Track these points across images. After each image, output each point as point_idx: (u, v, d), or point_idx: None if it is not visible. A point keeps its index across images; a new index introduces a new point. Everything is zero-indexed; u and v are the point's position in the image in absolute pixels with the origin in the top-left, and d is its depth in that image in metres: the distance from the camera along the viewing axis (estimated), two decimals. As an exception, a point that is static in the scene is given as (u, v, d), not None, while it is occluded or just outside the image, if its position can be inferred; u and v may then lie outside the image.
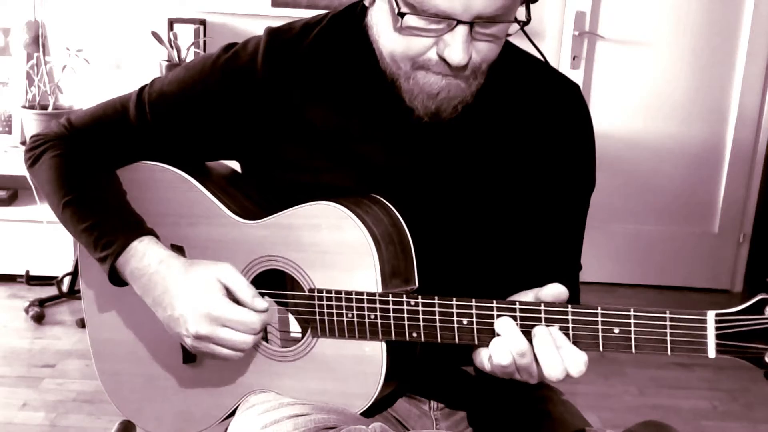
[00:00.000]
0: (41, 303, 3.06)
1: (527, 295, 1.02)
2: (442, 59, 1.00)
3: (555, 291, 1.00)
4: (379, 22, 1.05)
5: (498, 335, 1.00)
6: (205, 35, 3.37)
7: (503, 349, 0.99)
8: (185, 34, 3.33)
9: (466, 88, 1.04)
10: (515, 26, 1.02)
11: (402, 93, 1.06)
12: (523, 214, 1.15)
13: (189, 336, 1.08)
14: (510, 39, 1.14)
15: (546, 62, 1.19)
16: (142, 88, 1.21)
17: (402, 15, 0.99)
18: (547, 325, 0.98)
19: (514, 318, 0.99)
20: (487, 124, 1.13)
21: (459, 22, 0.97)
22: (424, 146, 1.13)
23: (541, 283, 1.08)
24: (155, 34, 3.22)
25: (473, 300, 1.01)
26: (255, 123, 1.14)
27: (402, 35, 1.01)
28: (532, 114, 1.15)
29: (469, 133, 1.13)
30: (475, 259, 1.16)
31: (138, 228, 1.16)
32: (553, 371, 0.97)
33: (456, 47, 0.98)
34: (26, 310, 3.02)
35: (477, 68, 1.03)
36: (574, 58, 3.48)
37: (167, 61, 3.23)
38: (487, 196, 1.14)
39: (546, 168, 1.15)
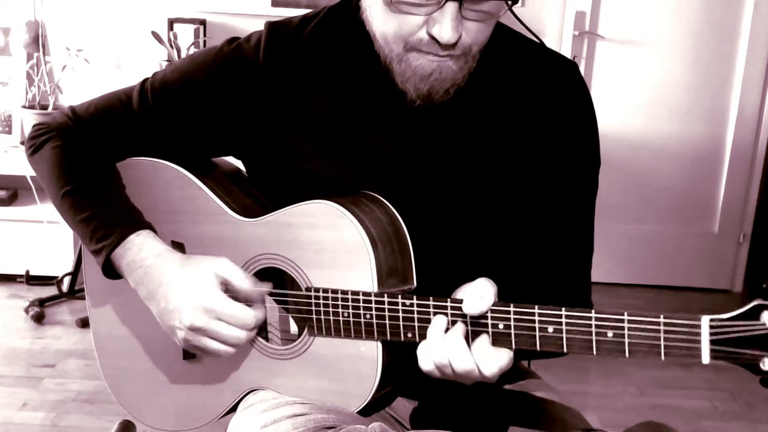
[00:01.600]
0: (41, 303, 3.07)
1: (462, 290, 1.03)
2: (432, 38, 1.01)
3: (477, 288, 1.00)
4: (372, 3, 1.06)
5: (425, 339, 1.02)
6: (205, 35, 3.38)
7: (426, 356, 1.01)
8: (185, 34, 3.33)
9: (458, 71, 1.05)
10: (504, 8, 1.03)
11: (395, 76, 1.07)
12: (526, 197, 1.15)
13: (182, 328, 1.09)
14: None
15: (541, 43, 1.19)
16: (145, 79, 1.23)
17: None
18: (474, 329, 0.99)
19: (508, 320, 0.99)
20: (483, 107, 1.13)
21: None
22: (420, 131, 1.13)
23: (550, 272, 1.07)
24: (155, 34, 3.22)
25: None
26: (256, 114, 1.15)
27: (393, 13, 1.02)
28: (531, 95, 1.14)
29: (464, 118, 1.13)
30: (476, 251, 1.15)
31: (136, 221, 1.17)
32: (461, 366, 0.99)
33: (445, 24, 0.99)
34: (26, 310, 3.02)
35: (467, 50, 1.04)
36: (574, 58, 3.48)
37: (167, 61, 3.23)
38: (487, 181, 1.14)
39: (548, 148, 1.14)
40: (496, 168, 1.14)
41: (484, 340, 0.99)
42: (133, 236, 1.14)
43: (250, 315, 1.08)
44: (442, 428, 1.16)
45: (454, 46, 1.01)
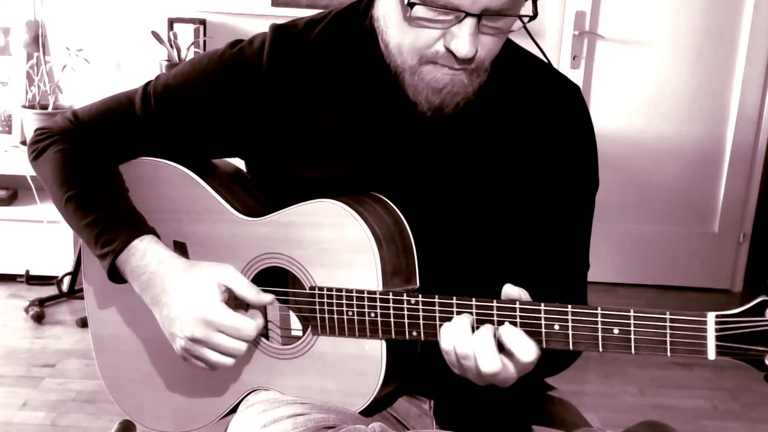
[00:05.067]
0: (41, 303, 3.06)
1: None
2: (449, 51, 1.01)
3: (509, 292, 1.01)
4: (387, 13, 1.06)
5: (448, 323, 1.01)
6: (205, 35, 3.37)
7: (447, 340, 1.00)
8: (185, 34, 3.32)
9: (469, 84, 1.05)
10: (519, 22, 1.03)
11: (406, 87, 1.07)
12: (525, 213, 1.16)
13: (183, 338, 1.09)
14: (513, 39, 1.15)
15: (549, 63, 1.19)
16: (147, 83, 1.22)
17: (411, 5, 1.00)
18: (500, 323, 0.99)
19: (514, 317, 0.99)
20: (489, 121, 1.14)
21: (467, 14, 0.98)
22: (427, 141, 1.13)
23: (546, 283, 1.07)
24: (155, 34, 3.22)
25: (473, 299, 1.01)
26: (259, 118, 1.14)
27: (410, 26, 1.02)
28: (534, 114, 1.15)
29: (471, 130, 1.13)
30: (477, 257, 1.16)
31: (139, 226, 1.17)
32: (487, 367, 0.98)
33: (463, 39, 0.99)
34: (26, 310, 3.02)
35: (481, 64, 1.04)
36: (574, 58, 3.48)
37: (167, 60, 3.23)
38: (489, 193, 1.14)
39: (547, 168, 1.15)
40: (497, 181, 1.14)
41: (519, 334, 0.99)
42: (137, 241, 1.14)
43: (251, 327, 1.08)
44: (467, 425, 1.16)
45: (470, 60, 1.02)
